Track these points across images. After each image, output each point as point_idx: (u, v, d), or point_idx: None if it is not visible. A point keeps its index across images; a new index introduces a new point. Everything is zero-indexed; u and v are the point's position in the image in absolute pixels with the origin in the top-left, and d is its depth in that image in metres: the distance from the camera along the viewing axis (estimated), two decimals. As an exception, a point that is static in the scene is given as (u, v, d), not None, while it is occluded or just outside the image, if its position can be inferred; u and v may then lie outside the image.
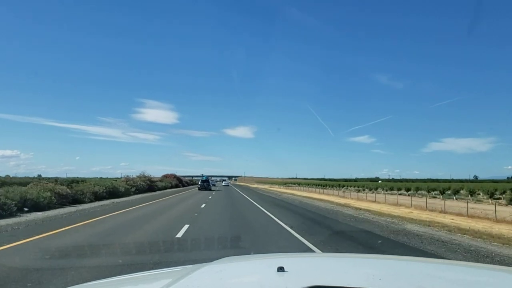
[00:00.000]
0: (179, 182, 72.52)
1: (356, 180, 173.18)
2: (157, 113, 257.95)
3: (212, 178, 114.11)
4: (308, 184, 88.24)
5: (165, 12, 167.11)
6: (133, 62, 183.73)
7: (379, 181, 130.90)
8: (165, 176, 68.89)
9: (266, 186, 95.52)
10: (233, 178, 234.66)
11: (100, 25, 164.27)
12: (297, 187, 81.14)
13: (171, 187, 60.99)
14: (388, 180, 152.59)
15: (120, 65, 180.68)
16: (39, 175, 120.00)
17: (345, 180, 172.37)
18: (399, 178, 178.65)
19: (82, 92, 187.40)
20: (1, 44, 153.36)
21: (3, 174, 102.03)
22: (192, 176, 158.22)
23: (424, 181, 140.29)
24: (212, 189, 54.76)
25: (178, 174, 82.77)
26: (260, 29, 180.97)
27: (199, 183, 55.75)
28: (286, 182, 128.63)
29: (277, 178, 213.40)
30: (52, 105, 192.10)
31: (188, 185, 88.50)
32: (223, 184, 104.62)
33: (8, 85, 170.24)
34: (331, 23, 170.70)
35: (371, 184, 79.52)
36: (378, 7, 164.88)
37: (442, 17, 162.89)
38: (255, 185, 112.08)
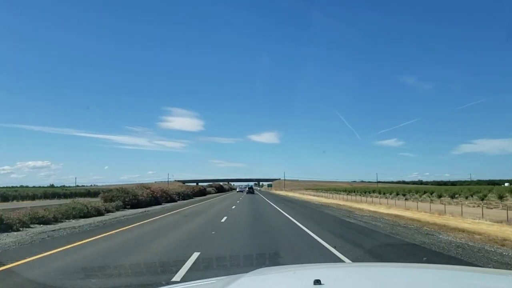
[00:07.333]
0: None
1: (454, 183, 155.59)
2: (183, 121, 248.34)
3: (233, 183, 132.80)
4: (404, 194, 56.53)
5: (189, 17, 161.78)
6: (159, 71, 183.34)
7: (505, 184, 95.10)
8: None
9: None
10: (262, 183, 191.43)
11: (126, 32, 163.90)
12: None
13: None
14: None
15: (146, 74, 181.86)
16: (52, 185, 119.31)
17: (438, 184, 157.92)
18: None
19: (110, 102, 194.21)
20: (34, 56, 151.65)
21: (35, 185, 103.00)
22: (209, 180, 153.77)
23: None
24: (254, 192, 71.75)
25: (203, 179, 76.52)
26: (286, 34, 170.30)
27: (246, 189, 78.11)
28: (356, 189, 75.21)
29: (339, 181, 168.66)
30: (82, 116, 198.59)
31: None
32: (237, 190, 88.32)
33: (39, 97, 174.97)
34: (358, 27, 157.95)
35: (486, 189, 49.50)
36: (404, 11, 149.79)
37: (471, 21, 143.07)
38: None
